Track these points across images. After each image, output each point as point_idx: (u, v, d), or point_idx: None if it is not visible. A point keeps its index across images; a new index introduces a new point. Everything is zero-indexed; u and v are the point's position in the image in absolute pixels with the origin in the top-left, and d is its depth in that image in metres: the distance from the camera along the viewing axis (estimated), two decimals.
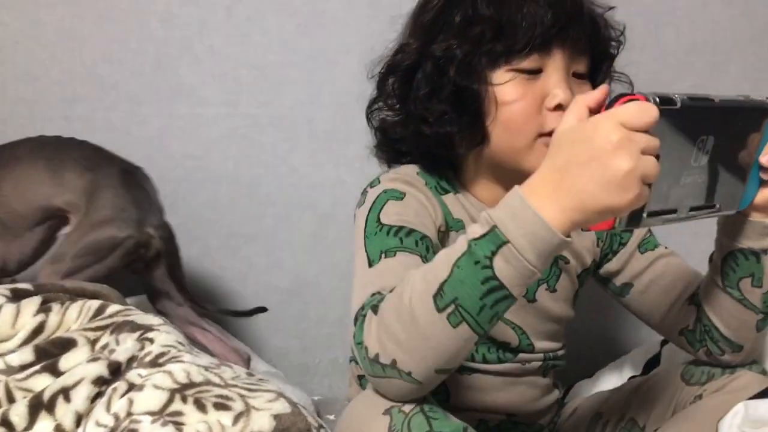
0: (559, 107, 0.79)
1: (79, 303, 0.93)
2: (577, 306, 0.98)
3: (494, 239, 0.61)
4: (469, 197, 0.89)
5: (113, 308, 0.94)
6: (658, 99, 0.59)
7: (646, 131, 0.58)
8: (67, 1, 1.25)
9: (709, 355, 0.88)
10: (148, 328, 0.89)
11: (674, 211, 0.65)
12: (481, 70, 0.80)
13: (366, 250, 0.78)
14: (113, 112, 1.28)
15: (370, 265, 0.75)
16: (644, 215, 0.62)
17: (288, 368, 1.33)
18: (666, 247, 0.95)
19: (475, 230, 0.63)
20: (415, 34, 0.86)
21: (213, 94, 1.28)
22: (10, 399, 0.80)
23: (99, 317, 0.91)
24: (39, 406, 0.78)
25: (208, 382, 0.78)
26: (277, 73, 1.28)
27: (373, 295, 0.70)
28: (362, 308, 0.70)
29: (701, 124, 0.64)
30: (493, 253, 0.61)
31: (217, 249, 1.33)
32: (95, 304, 0.93)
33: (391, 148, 0.92)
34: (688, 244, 1.00)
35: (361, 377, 0.96)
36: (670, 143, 0.60)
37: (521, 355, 0.89)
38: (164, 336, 0.88)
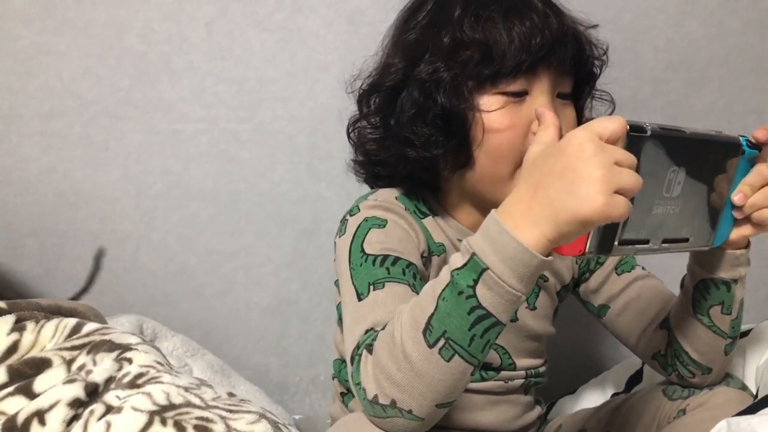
0: None
1: (54, 321, 0.91)
2: (558, 322, 0.98)
3: (474, 267, 0.60)
4: (450, 220, 0.88)
5: (90, 326, 0.92)
6: (628, 126, 0.59)
7: (619, 145, 0.58)
8: (45, 16, 1.24)
9: (680, 378, 0.89)
10: (127, 348, 0.88)
11: (647, 242, 0.65)
12: (468, 94, 0.80)
13: (353, 283, 0.76)
14: (91, 127, 1.26)
15: (359, 298, 0.74)
16: (616, 242, 0.61)
17: (268, 386, 1.31)
18: (643, 268, 0.95)
19: (456, 260, 0.62)
20: (399, 53, 0.85)
21: (192, 109, 1.27)
22: None
23: (75, 336, 0.89)
24: (13, 429, 0.76)
25: (188, 404, 0.77)
26: (257, 88, 1.28)
27: (367, 332, 0.69)
28: (357, 347, 0.68)
29: (672, 155, 0.64)
30: (475, 282, 0.60)
31: (196, 266, 1.31)
32: (71, 322, 0.92)
33: (371, 169, 0.92)
34: (666, 263, 1.01)
35: (344, 394, 0.95)
36: (641, 171, 0.60)
37: (503, 374, 0.89)
38: (143, 356, 0.86)
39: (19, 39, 1.24)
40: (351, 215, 0.85)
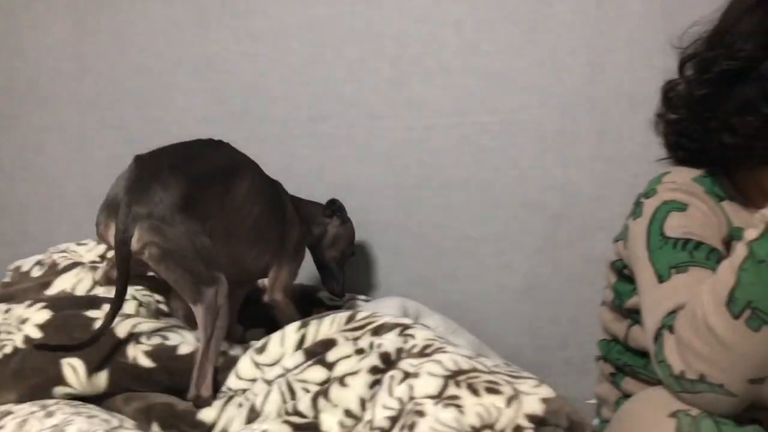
0: None
1: (330, 317, 1.03)
2: None
3: None
4: (748, 205, 0.85)
5: (362, 314, 1.02)
6: None
7: None
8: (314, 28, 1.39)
9: None
10: (405, 326, 0.97)
11: None
12: None
13: (653, 266, 0.76)
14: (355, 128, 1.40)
15: (660, 280, 0.75)
16: None
17: (522, 366, 1.36)
18: None
19: (750, 233, 0.63)
20: (753, 38, 0.79)
21: (445, 105, 1.36)
22: (291, 391, 0.91)
23: (352, 322, 1.00)
24: (317, 394, 0.88)
25: (474, 369, 0.84)
26: (504, 80, 1.33)
27: (670, 313, 0.70)
28: (660, 327, 0.70)
29: None
30: None
31: (451, 251, 1.40)
32: (345, 314, 1.03)
33: (675, 138, 0.89)
34: None
35: (613, 374, 0.97)
36: None
37: None
38: (423, 331, 0.95)
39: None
40: (647, 197, 0.85)
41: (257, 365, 0.98)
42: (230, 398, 0.95)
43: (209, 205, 1.01)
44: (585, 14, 1.27)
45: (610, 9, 1.26)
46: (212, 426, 0.92)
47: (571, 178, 1.33)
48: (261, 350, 0.99)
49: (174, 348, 1.00)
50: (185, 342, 1.01)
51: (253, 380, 0.97)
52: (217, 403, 0.94)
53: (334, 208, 1.28)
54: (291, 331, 1.01)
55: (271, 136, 1.43)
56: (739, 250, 0.63)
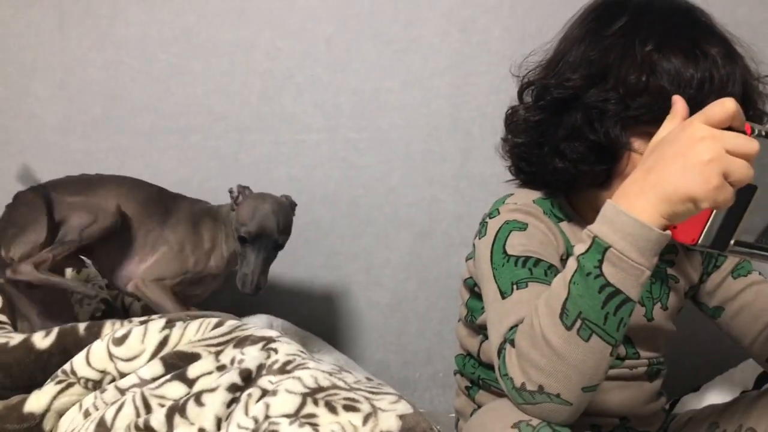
0: None
1: (198, 320, 0.99)
2: (681, 319, 0.99)
3: (597, 248, 0.65)
4: (584, 225, 0.90)
5: (230, 323, 1.00)
6: (764, 131, 0.61)
7: (735, 131, 0.60)
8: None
9: None
10: (270, 340, 0.95)
11: (765, 249, 0.65)
12: (626, 131, 0.81)
13: (496, 282, 0.79)
14: (222, 140, 1.37)
15: (503, 296, 0.77)
16: (732, 242, 0.63)
17: (389, 381, 1.37)
18: (760, 273, 0.95)
19: (579, 248, 0.67)
20: (579, 70, 0.83)
21: (314, 120, 1.36)
22: (147, 407, 0.87)
23: (217, 330, 0.97)
24: (174, 409, 0.84)
25: (334, 386, 0.83)
26: (373, 98, 1.34)
27: (511, 328, 0.72)
28: (503, 342, 0.72)
29: None
30: (600, 262, 0.64)
31: (320, 267, 1.39)
32: (213, 320, 0.99)
33: (516, 161, 0.93)
34: None
35: (468, 388, 1.00)
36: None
37: (628, 362, 0.91)
38: (286, 346, 0.94)
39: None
40: (491, 218, 0.88)
41: (111, 356, 0.93)
42: (69, 385, 0.90)
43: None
44: (449, 38, 1.32)
45: (473, 34, 1.31)
46: (43, 414, 0.87)
47: (437, 195, 1.36)
48: (120, 341, 0.94)
49: (5, 344, 0.95)
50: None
51: (103, 372, 0.92)
52: (49, 390, 0.89)
53: (231, 197, 1.18)
54: (154, 330, 0.96)
55: (134, 147, 1.38)
56: (570, 264, 0.67)
